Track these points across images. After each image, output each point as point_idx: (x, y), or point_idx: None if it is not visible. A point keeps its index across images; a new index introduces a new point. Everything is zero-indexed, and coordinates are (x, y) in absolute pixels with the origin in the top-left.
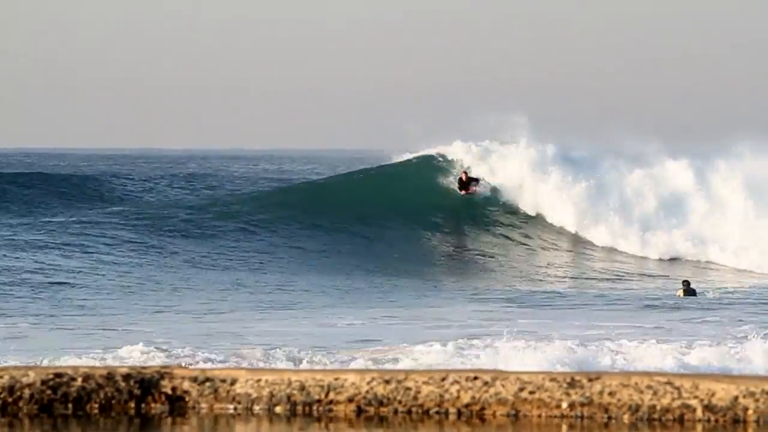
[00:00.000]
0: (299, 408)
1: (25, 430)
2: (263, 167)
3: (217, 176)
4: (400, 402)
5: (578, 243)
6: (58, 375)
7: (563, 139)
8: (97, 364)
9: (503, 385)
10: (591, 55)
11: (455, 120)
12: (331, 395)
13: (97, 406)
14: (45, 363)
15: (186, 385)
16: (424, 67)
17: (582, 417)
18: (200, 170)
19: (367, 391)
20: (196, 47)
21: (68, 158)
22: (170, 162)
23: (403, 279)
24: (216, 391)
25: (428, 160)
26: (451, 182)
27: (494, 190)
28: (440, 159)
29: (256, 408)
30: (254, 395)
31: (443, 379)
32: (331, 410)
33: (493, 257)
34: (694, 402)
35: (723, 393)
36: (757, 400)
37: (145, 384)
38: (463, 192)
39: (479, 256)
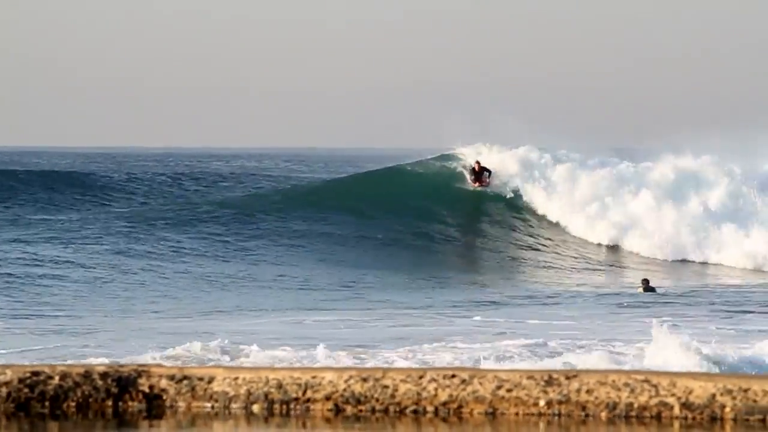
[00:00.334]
0: (276, 406)
1: (1, 429)
2: (264, 165)
3: (217, 175)
4: (377, 400)
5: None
6: (35, 373)
7: (564, 140)
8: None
9: (481, 383)
10: (591, 55)
11: (455, 120)
12: (309, 393)
13: (74, 404)
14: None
15: (163, 383)
16: (423, 67)
17: (559, 415)
18: (199, 169)
19: (345, 389)
20: (196, 47)
21: (69, 156)
22: (173, 160)
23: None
24: (193, 389)
25: (434, 161)
26: (458, 185)
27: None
28: (447, 159)
29: (234, 406)
30: (232, 393)
31: (421, 377)
32: (308, 408)
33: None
34: (671, 400)
35: (700, 390)
36: (734, 398)
37: (123, 382)
38: (476, 184)
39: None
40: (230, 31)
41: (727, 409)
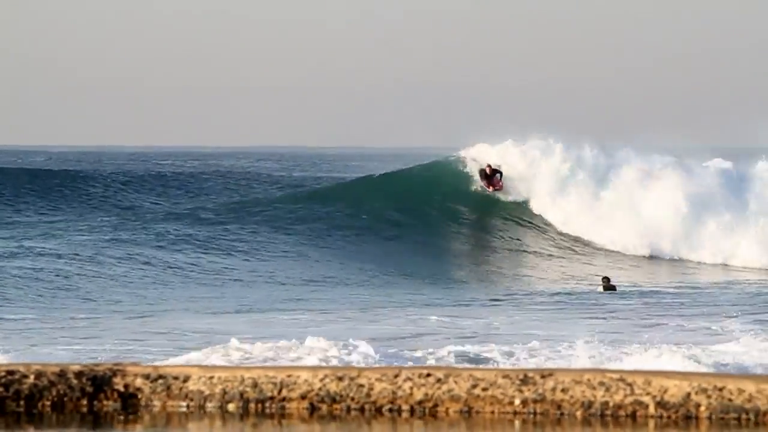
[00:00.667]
0: (252, 405)
1: None
2: (264, 165)
3: (218, 174)
4: (353, 399)
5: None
6: (10, 372)
7: (564, 140)
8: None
9: (456, 382)
10: (591, 55)
11: (457, 120)
12: (284, 392)
13: (49, 403)
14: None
15: (138, 382)
16: (424, 67)
17: (535, 414)
18: (201, 169)
19: (320, 388)
20: (196, 47)
21: (71, 155)
22: (171, 158)
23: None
24: (168, 388)
25: (438, 162)
26: (462, 187)
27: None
28: (452, 161)
29: (209, 405)
30: (207, 392)
31: (396, 376)
32: (284, 407)
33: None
34: (646, 398)
35: (675, 389)
36: (709, 397)
37: (98, 381)
38: (490, 188)
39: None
40: (230, 31)
41: (702, 408)
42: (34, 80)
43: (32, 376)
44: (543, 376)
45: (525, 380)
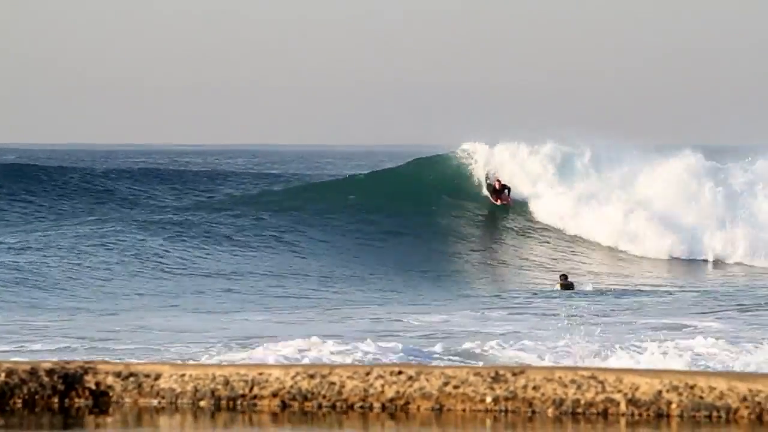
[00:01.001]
0: (223, 403)
1: None
2: (264, 164)
3: (219, 174)
4: (324, 397)
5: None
6: None
7: (564, 139)
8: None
9: (427, 380)
10: (591, 55)
11: (456, 121)
12: (255, 390)
13: (20, 401)
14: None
15: (110, 380)
16: (424, 68)
17: (506, 411)
18: (202, 167)
19: (292, 386)
20: (196, 47)
21: (73, 155)
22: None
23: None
24: (140, 386)
25: (436, 159)
26: (462, 183)
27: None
28: (452, 158)
29: (181, 403)
30: (178, 390)
31: (368, 374)
32: (255, 405)
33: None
34: (617, 396)
35: (647, 387)
36: (680, 395)
37: (69, 379)
38: (499, 202)
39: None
40: (230, 30)
41: (674, 406)
42: (34, 80)
43: (3, 374)
44: (514, 374)
45: (496, 378)
